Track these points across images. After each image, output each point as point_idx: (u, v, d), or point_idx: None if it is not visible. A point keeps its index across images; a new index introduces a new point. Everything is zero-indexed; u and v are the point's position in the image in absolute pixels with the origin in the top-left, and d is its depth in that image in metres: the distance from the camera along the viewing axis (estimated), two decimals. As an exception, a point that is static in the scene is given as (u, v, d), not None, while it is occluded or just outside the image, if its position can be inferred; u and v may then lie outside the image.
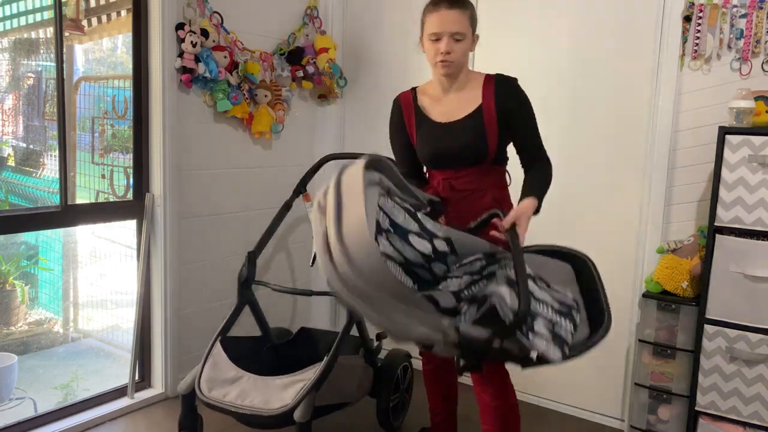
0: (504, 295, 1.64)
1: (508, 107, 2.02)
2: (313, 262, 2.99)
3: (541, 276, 1.84)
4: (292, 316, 3.55)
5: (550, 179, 2.06)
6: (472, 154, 2.04)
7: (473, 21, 2.02)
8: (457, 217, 2.06)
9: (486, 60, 3.03)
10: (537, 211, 1.96)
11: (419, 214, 1.72)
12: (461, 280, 1.80)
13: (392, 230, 1.67)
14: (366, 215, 1.37)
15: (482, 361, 1.77)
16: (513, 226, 1.81)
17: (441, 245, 1.77)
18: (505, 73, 2.09)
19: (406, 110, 2.16)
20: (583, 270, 1.94)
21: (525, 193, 1.97)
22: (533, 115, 2.07)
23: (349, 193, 1.41)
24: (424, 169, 2.23)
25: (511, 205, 2.14)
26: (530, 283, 1.75)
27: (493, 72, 2.10)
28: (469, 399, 3.03)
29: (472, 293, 1.76)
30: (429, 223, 1.74)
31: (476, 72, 2.12)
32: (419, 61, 3.27)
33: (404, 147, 2.19)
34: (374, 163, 1.59)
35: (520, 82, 2.06)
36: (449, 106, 2.09)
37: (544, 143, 2.10)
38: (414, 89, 2.18)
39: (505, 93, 2.02)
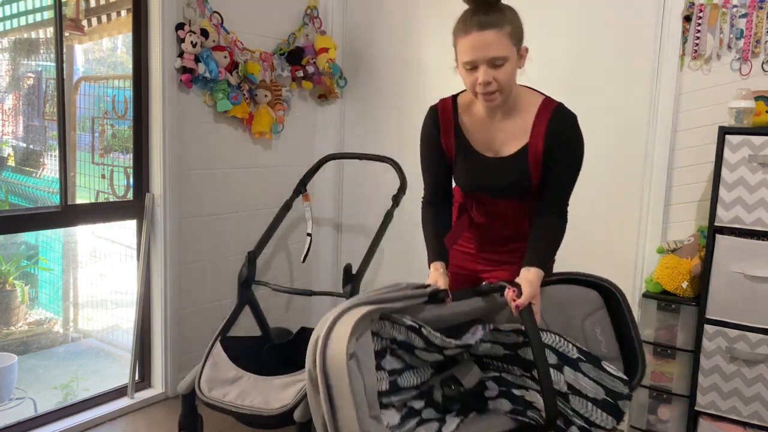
0: (537, 405, 1.64)
1: (552, 146, 1.72)
2: (304, 259, 3.00)
3: (590, 349, 1.73)
4: (292, 316, 3.55)
5: (560, 241, 1.80)
6: (515, 191, 1.80)
7: (516, 36, 1.63)
8: (492, 239, 1.92)
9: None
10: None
11: (424, 330, 1.60)
12: (490, 346, 1.73)
13: (396, 347, 1.60)
14: (359, 415, 1.37)
15: None
16: (529, 305, 1.63)
17: (452, 353, 1.69)
18: (565, 105, 1.77)
19: (445, 126, 1.82)
20: (610, 299, 1.84)
21: (531, 260, 1.72)
22: (576, 164, 1.76)
23: (338, 392, 1.38)
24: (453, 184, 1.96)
25: None
26: (570, 372, 1.65)
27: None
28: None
29: (503, 377, 1.73)
30: (437, 339, 1.61)
31: (531, 92, 1.78)
32: (419, 61, 3.28)
33: (438, 169, 1.88)
34: (357, 329, 1.45)
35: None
36: (495, 136, 1.78)
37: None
38: (455, 100, 1.83)
39: (556, 132, 1.71)
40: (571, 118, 1.74)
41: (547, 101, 1.75)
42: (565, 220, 1.81)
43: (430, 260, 1.83)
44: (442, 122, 1.82)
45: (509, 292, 1.64)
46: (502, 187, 1.80)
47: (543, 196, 1.78)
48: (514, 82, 1.70)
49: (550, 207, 1.78)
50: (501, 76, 1.62)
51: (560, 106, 1.75)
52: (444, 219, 1.90)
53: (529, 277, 1.68)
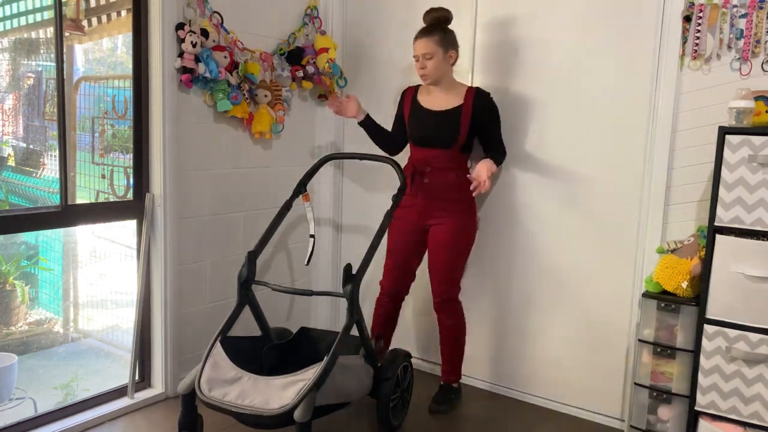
0: None
1: (482, 114, 2.80)
2: (308, 261, 2.99)
3: None
4: (292, 316, 3.55)
5: (503, 159, 2.90)
6: (447, 137, 2.78)
7: (443, 42, 2.73)
8: (431, 185, 2.82)
9: (486, 61, 3.04)
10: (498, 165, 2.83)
11: None
12: None
13: None
14: None
15: None
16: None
17: None
18: (482, 88, 2.89)
19: (408, 97, 2.96)
20: None
21: (488, 157, 2.82)
22: (499, 119, 2.87)
23: None
24: (405, 145, 3.03)
25: (468, 183, 2.75)
26: None
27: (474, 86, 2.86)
28: (466, 397, 3.03)
29: None
30: None
31: (461, 83, 2.89)
32: (419, 61, 3.28)
33: (397, 121, 3.03)
34: None
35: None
36: (437, 101, 2.85)
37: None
38: (418, 86, 2.95)
39: (481, 102, 2.81)
40: (488, 93, 2.85)
41: (472, 87, 2.87)
42: (504, 150, 2.92)
43: None
44: (407, 94, 2.98)
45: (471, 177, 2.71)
46: (438, 133, 2.79)
47: (490, 143, 2.88)
48: (443, 71, 2.78)
49: (495, 145, 2.89)
50: (429, 65, 2.74)
51: (479, 88, 2.87)
52: (390, 134, 3.06)
53: (484, 162, 2.75)
